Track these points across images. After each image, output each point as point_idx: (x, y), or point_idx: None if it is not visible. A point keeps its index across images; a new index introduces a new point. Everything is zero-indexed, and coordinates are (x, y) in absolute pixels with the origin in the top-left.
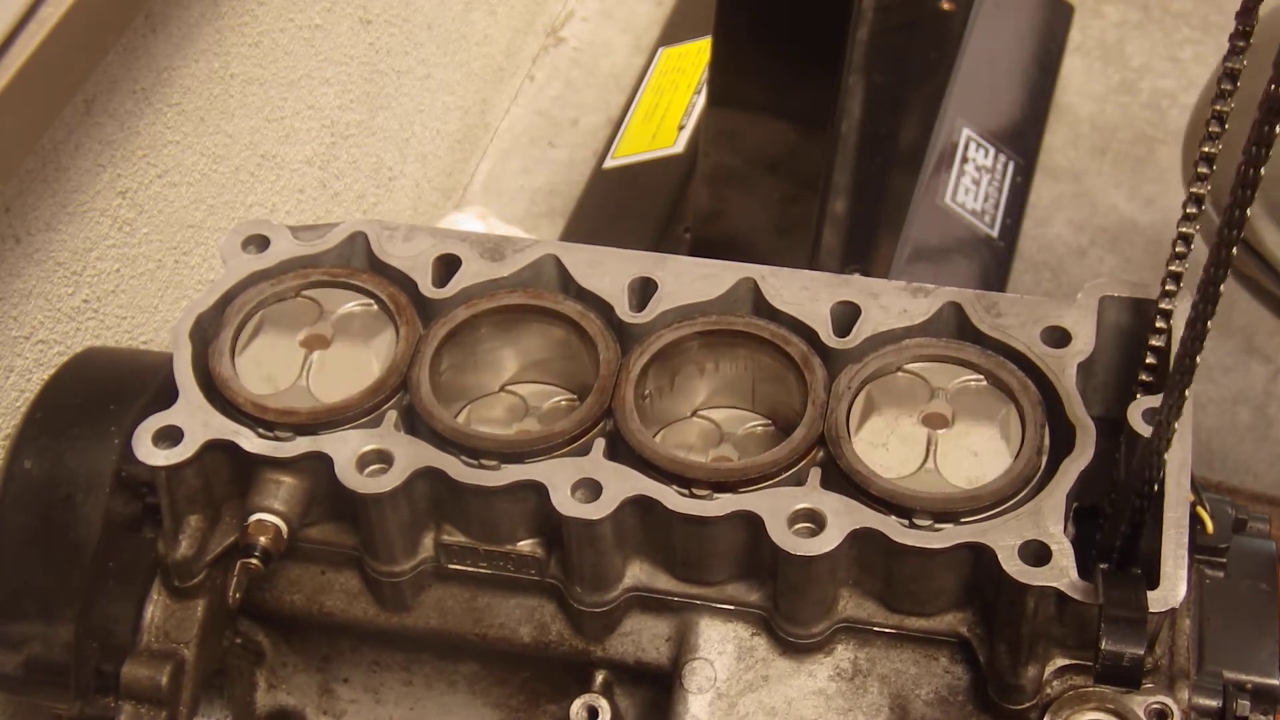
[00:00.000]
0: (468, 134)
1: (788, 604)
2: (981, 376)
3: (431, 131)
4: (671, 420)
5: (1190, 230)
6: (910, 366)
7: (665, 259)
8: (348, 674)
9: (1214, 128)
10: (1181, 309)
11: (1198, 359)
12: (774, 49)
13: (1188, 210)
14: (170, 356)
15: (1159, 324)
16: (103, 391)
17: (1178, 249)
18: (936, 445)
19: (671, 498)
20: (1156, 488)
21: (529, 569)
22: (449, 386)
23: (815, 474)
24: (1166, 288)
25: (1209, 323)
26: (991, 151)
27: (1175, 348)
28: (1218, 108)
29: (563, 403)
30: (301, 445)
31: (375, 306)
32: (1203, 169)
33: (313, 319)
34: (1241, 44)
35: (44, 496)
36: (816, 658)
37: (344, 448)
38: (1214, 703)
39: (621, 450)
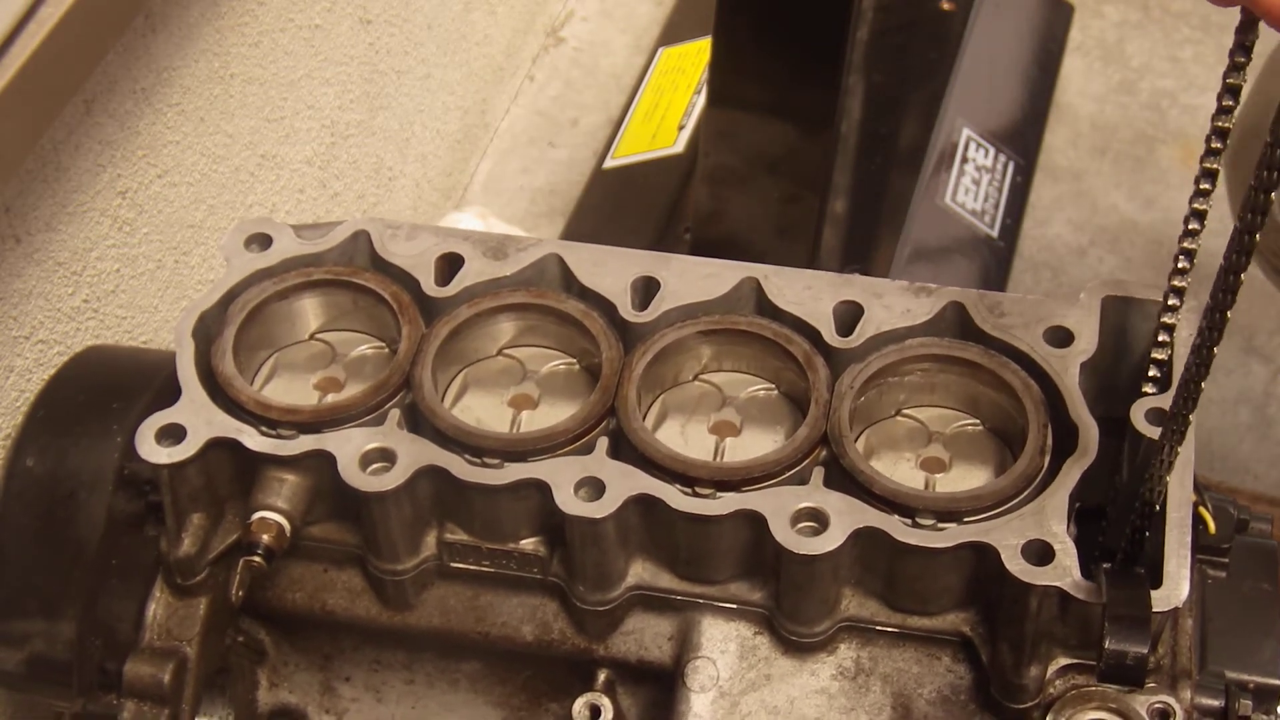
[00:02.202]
0: (468, 134)
1: (790, 603)
2: (979, 421)
3: (431, 131)
4: (671, 385)
5: (1196, 232)
6: (908, 411)
7: (668, 258)
8: (349, 672)
9: (1215, 143)
10: (1187, 313)
11: (1202, 385)
12: (774, 49)
13: (1195, 206)
14: (173, 354)
15: (1166, 319)
16: (105, 389)
17: (1185, 244)
18: (934, 489)
19: (674, 496)
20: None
21: (532, 567)
22: (445, 353)
23: (818, 473)
24: (1174, 283)
25: (1214, 349)
26: (991, 151)
27: (1178, 348)
28: (1219, 124)
29: (561, 366)
30: (304, 443)
31: (388, 349)
32: (1205, 185)
33: (325, 363)
34: (1241, 59)
35: (47, 494)
36: (819, 657)
37: (347, 446)
38: (1216, 702)
39: (624, 449)
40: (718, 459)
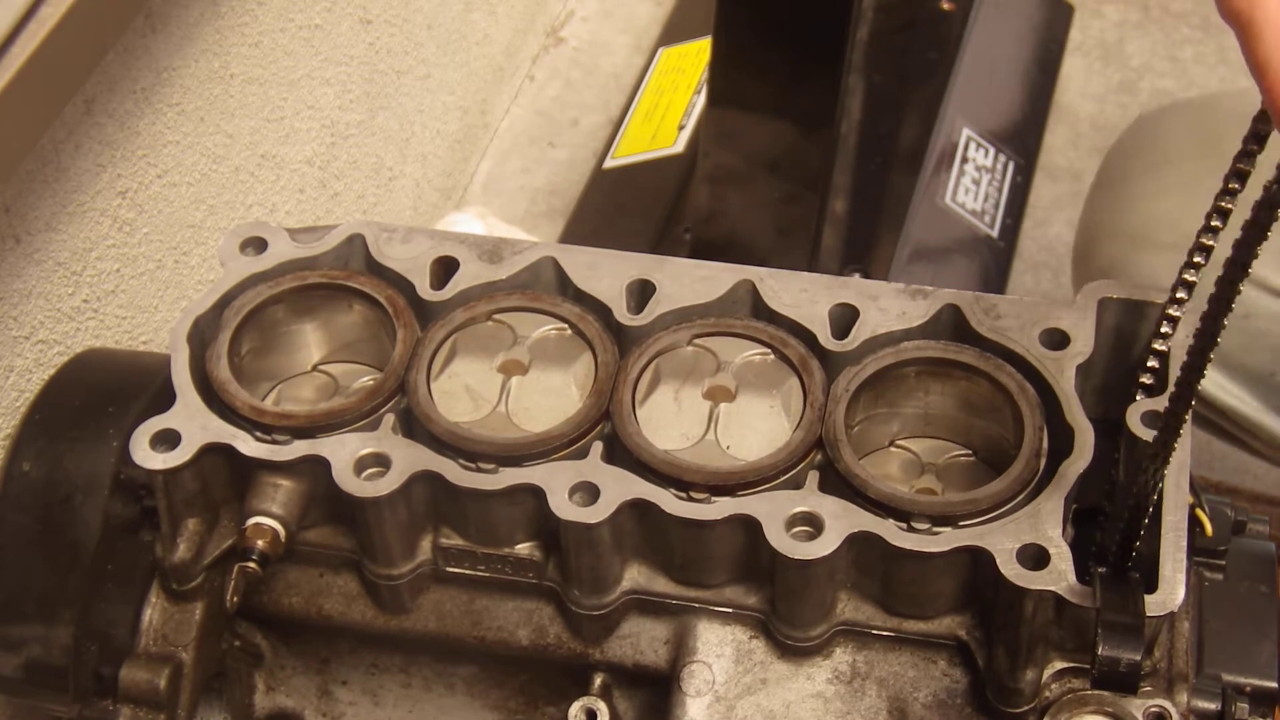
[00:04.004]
0: (468, 134)
1: (786, 607)
2: (971, 451)
3: (431, 131)
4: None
5: (1210, 242)
6: (901, 442)
7: (664, 261)
8: (346, 676)
9: (1224, 202)
10: (1186, 315)
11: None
12: (774, 49)
13: (1212, 223)
14: (168, 358)
15: (1164, 329)
16: (101, 393)
17: (1194, 259)
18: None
19: (669, 501)
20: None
21: (527, 572)
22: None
23: (813, 477)
24: (1177, 295)
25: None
26: (991, 151)
27: (1175, 351)
28: (1221, 204)
29: (552, 332)
30: (299, 449)
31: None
32: (1233, 185)
33: (328, 395)
34: (1254, 147)
35: (43, 498)
36: (815, 660)
37: (341, 451)
38: (1213, 705)
39: (619, 453)
40: (713, 427)
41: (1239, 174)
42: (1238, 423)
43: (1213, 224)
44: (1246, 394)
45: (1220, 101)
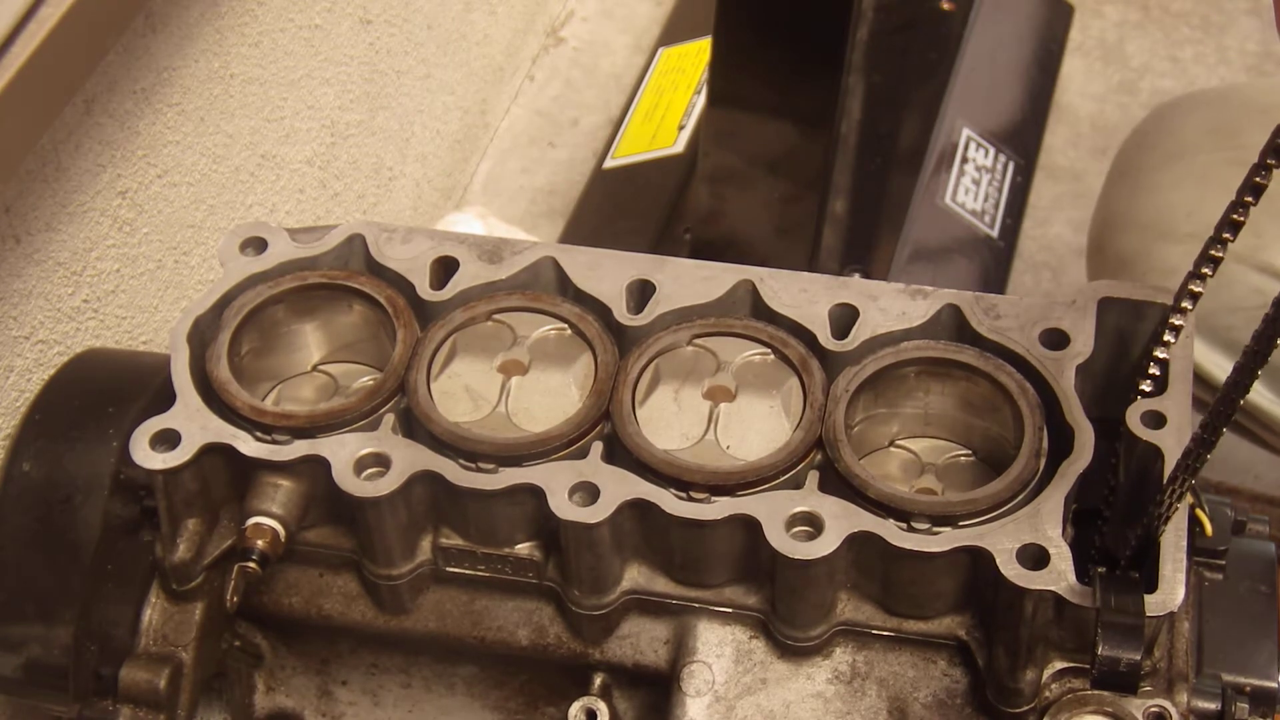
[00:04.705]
0: (468, 134)
1: (786, 607)
2: (971, 451)
3: (431, 131)
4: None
5: (1219, 254)
6: (901, 442)
7: (663, 261)
8: (346, 676)
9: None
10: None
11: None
12: (774, 49)
13: (1222, 235)
14: (169, 358)
15: (1167, 337)
16: (101, 394)
17: (1202, 269)
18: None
19: (669, 501)
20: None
21: (527, 572)
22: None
23: (813, 477)
24: (1182, 305)
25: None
26: (991, 151)
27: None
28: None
29: (551, 332)
30: (299, 449)
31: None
32: (1248, 199)
33: (328, 395)
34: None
35: (43, 499)
36: (815, 661)
37: (341, 451)
38: (1213, 705)
39: (619, 453)
40: (713, 427)
41: (1255, 188)
42: (1251, 414)
43: (1224, 236)
44: (1261, 385)
45: (1236, 93)
